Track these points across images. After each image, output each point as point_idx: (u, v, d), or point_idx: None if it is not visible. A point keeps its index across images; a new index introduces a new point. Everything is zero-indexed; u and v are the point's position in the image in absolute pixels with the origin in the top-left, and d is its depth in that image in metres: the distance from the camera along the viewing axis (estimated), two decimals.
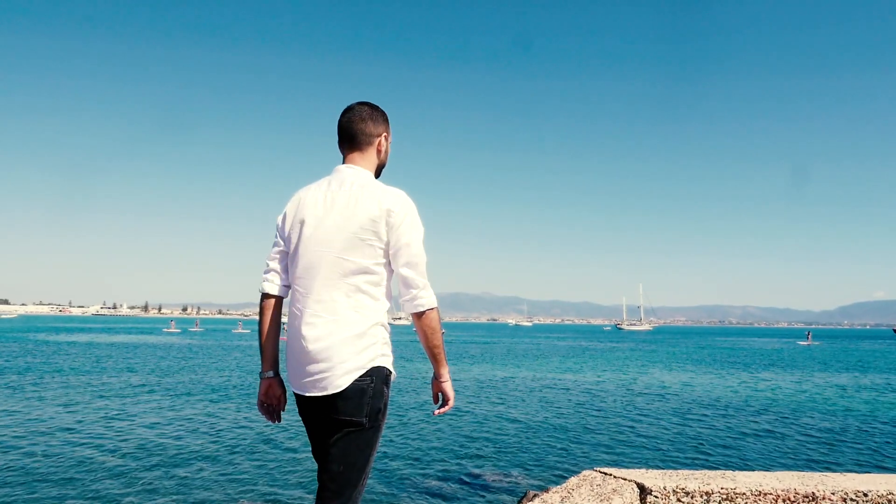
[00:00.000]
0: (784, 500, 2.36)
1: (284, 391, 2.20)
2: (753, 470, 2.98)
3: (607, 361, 34.93)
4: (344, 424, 1.99)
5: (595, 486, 2.42)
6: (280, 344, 2.18)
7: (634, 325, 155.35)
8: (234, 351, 38.75)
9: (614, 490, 2.37)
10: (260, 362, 2.20)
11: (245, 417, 13.44)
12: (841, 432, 13.08)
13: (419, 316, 2.05)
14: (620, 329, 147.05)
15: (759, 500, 2.36)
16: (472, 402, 16.53)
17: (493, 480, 8.80)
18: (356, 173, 2.13)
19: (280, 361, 2.18)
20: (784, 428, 13.46)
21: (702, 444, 11.58)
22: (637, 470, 2.67)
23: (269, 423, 2.26)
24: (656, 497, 2.38)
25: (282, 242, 2.16)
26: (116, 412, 13.85)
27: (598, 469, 2.68)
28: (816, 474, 2.65)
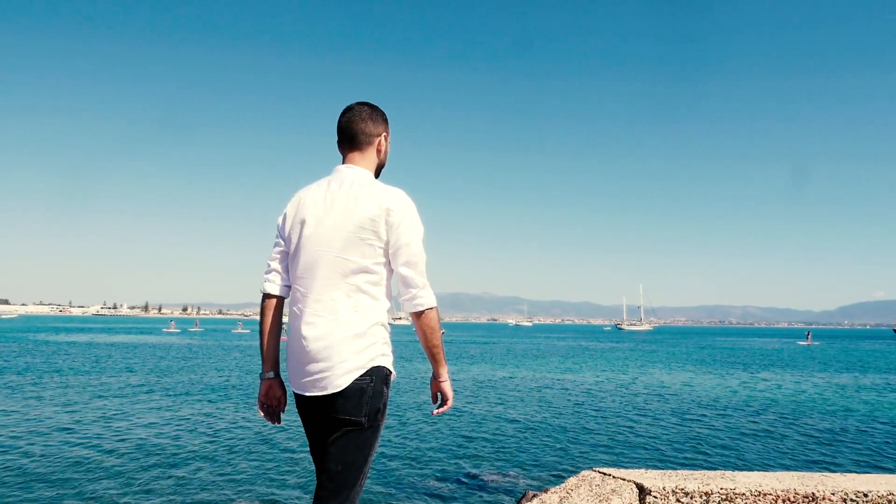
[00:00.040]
0: (784, 501, 2.36)
1: (285, 392, 2.20)
2: (753, 470, 2.97)
3: (607, 361, 34.93)
4: (343, 424, 1.98)
5: (594, 487, 2.42)
6: (281, 344, 2.18)
7: (634, 325, 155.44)
8: (233, 351, 38.75)
9: (613, 490, 2.36)
10: (260, 363, 2.20)
11: (243, 417, 13.44)
12: (841, 432, 13.08)
13: (418, 315, 2.05)
14: (620, 329, 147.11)
15: (759, 500, 2.35)
16: (471, 403, 16.53)
17: (492, 481, 8.79)
18: (356, 173, 2.13)
19: (280, 361, 2.18)
20: (784, 428, 13.46)
21: (701, 444, 11.58)
22: (636, 470, 2.66)
23: (269, 424, 2.25)
24: (655, 497, 2.37)
25: (282, 242, 2.16)
26: (115, 412, 13.85)
27: (597, 469, 2.67)
28: (816, 475, 2.64)
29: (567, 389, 20.20)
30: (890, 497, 2.38)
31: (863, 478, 2.62)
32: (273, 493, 7.97)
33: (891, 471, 9.79)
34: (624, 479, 2.48)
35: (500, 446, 11.07)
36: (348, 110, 2.22)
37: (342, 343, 1.98)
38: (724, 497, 2.35)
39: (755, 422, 14.20)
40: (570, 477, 2.62)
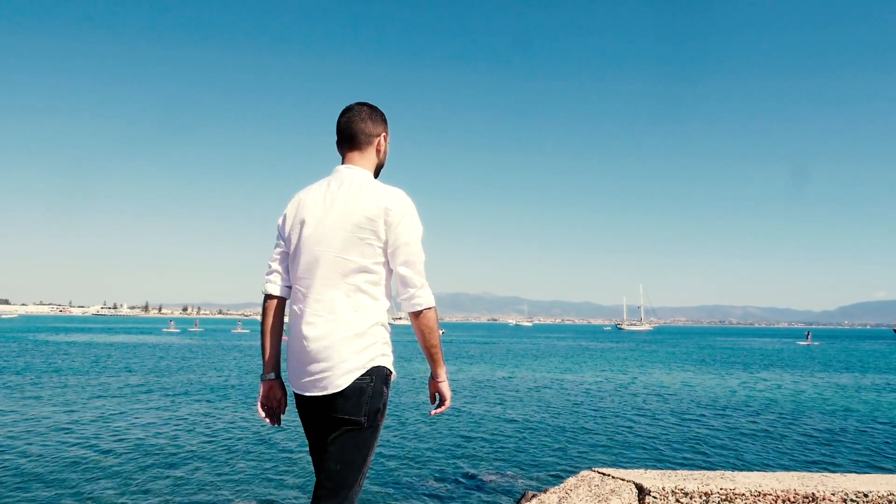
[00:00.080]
0: (784, 501, 2.35)
1: (285, 394, 2.20)
2: (753, 470, 2.97)
3: (607, 361, 34.94)
4: (342, 423, 1.98)
5: (593, 487, 2.42)
6: (282, 344, 2.18)
7: (635, 325, 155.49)
8: (232, 351, 38.75)
9: (612, 490, 2.36)
10: (261, 363, 2.20)
11: (242, 417, 13.43)
12: (841, 432, 13.07)
13: (416, 315, 2.05)
14: (621, 329, 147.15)
15: (759, 500, 2.35)
16: (470, 403, 16.53)
17: (491, 481, 8.79)
18: (355, 173, 2.14)
19: (281, 361, 2.18)
20: (783, 428, 13.46)
21: (701, 444, 11.57)
22: (635, 470, 2.66)
23: (269, 425, 2.25)
24: (655, 497, 2.37)
25: (283, 243, 2.17)
26: (114, 412, 13.84)
27: (596, 469, 2.67)
28: (816, 475, 2.64)
29: (566, 389, 20.20)
30: (890, 497, 2.37)
31: (863, 478, 2.61)
32: (271, 494, 7.96)
33: (891, 471, 9.79)
34: (623, 480, 2.48)
35: (499, 446, 11.06)
36: (347, 110, 2.22)
37: (342, 343, 1.98)
38: (723, 497, 2.35)
39: (755, 422, 14.19)
40: (569, 477, 2.61)
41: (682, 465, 9.81)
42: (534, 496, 6.82)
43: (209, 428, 12.19)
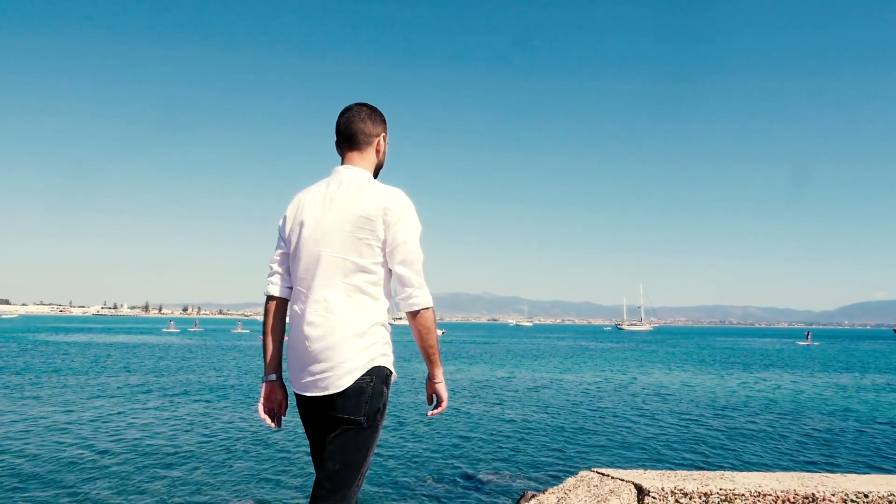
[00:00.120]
0: (783, 502, 2.35)
1: (286, 395, 2.20)
2: (752, 471, 2.96)
3: (607, 362, 34.94)
4: (342, 423, 1.98)
5: (592, 487, 2.41)
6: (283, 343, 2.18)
7: (635, 325, 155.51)
8: (232, 351, 38.75)
9: (612, 491, 2.36)
10: (262, 364, 2.19)
11: (240, 418, 13.43)
12: (841, 433, 13.07)
13: (414, 315, 2.05)
14: (621, 329, 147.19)
15: (759, 500, 2.35)
16: (469, 403, 16.52)
17: (490, 481, 8.79)
18: (355, 173, 2.14)
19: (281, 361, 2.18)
20: (783, 428, 13.46)
21: (700, 444, 11.57)
22: (635, 470, 2.65)
23: (270, 427, 2.25)
24: (654, 498, 2.36)
25: (283, 244, 2.17)
26: (113, 412, 13.84)
27: (595, 469, 2.67)
28: (816, 475, 2.64)
29: (566, 389, 20.20)
30: (890, 498, 2.37)
31: (863, 478, 2.61)
32: (270, 494, 7.95)
33: (891, 471, 9.78)
34: (622, 480, 2.48)
35: (498, 446, 11.06)
36: (347, 111, 2.23)
37: (343, 343, 1.98)
38: (723, 498, 2.34)
39: (754, 422, 14.19)
40: (568, 477, 2.61)
41: (682, 466, 9.80)
42: (533, 496, 6.82)
43: (208, 428, 12.19)
